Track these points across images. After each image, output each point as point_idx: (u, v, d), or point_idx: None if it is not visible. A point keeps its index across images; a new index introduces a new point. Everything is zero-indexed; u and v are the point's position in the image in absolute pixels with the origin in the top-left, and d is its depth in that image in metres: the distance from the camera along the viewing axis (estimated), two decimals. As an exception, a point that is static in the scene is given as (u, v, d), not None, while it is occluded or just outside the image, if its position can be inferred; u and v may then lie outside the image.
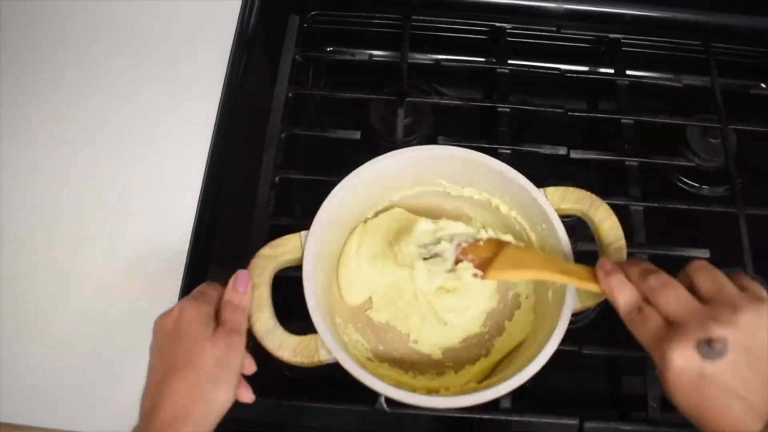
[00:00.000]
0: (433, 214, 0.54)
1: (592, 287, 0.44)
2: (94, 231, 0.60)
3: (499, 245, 0.48)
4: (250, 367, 0.47)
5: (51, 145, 0.64)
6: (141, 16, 0.70)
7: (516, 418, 0.52)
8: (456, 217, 0.55)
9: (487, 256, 0.47)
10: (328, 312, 0.50)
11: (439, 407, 0.44)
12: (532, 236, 0.52)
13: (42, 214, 0.61)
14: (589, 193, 0.51)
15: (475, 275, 0.46)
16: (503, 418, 0.52)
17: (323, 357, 0.46)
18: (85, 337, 0.56)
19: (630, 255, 0.57)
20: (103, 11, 0.70)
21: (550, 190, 0.51)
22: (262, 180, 0.62)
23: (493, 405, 0.52)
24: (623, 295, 0.42)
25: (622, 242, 0.50)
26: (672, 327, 0.39)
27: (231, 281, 0.47)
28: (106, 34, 0.69)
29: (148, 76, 0.67)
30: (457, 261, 0.48)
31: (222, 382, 0.43)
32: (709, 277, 0.40)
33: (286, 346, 0.46)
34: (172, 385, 0.41)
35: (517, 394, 0.52)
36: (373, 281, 0.54)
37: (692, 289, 0.40)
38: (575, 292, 0.47)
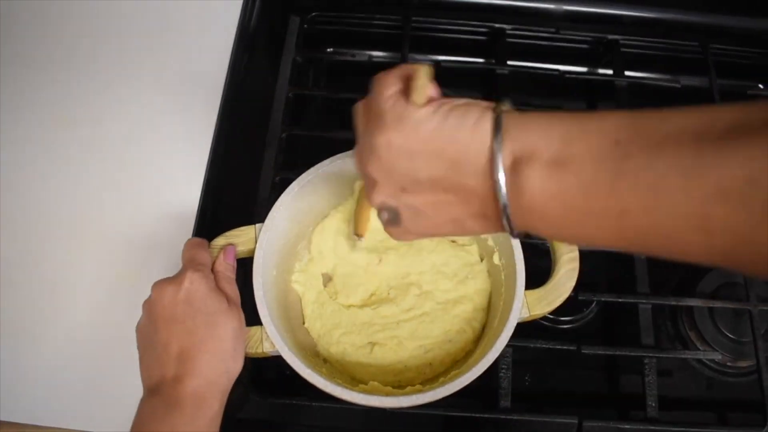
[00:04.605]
0: None
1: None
2: (95, 231, 0.60)
3: None
4: None
5: (51, 144, 0.64)
6: (142, 17, 0.70)
7: (515, 418, 0.52)
8: None
9: None
10: (278, 306, 0.51)
11: (374, 405, 0.45)
12: (489, 240, 0.53)
13: (42, 214, 0.61)
14: None
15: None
16: (503, 417, 0.52)
17: (267, 349, 0.47)
18: (86, 336, 0.56)
19: (629, 255, 0.58)
20: (105, 12, 0.71)
21: None
22: (263, 180, 0.62)
23: (492, 404, 0.53)
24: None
25: (575, 254, 0.49)
26: None
27: (220, 254, 0.48)
28: (107, 35, 0.70)
29: (150, 76, 0.67)
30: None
31: (239, 354, 0.45)
32: (355, 119, 0.38)
33: None
34: (199, 358, 0.42)
35: (516, 393, 0.53)
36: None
37: None
38: (523, 301, 0.47)
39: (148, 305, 0.45)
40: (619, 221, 0.28)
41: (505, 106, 0.32)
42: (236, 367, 0.44)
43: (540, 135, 0.30)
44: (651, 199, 0.26)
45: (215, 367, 0.43)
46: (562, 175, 0.29)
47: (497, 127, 0.31)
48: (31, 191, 0.62)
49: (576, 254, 0.49)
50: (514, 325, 0.47)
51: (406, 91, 0.34)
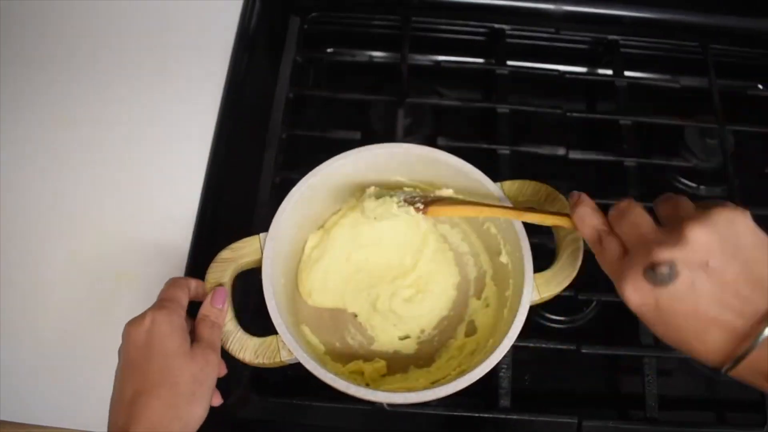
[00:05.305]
0: None
1: (555, 221, 0.44)
2: (95, 231, 0.60)
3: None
4: (222, 370, 0.47)
5: (51, 144, 0.64)
6: (142, 17, 0.70)
7: (515, 417, 0.52)
8: None
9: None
10: (289, 313, 0.51)
11: (397, 402, 0.45)
12: (492, 229, 0.53)
13: (42, 214, 0.61)
14: (546, 186, 0.51)
15: (417, 209, 0.49)
16: (502, 416, 0.52)
17: (284, 357, 0.46)
18: (86, 336, 0.56)
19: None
20: (105, 12, 0.71)
21: (507, 183, 0.51)
22: (263, 180, 0.63)
23: (492, 404, 0.53)
24: (588, 225, 0.40)
25: (578, 234, 0.49)
26: (626, 257, 0.37)
27: (209, 296, 0.47)
28: (107, 35, 0.69)
29: (150, 76, 0.67)
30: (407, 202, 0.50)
31: (198, 399, 0.42)
32: (669, 203, 0.37)
33: (247, 348, 0.47)
34: (147, 403, 0.40)
35: (516, 393, 0.53)
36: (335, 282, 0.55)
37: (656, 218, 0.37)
38: (533, 284, 0.48)
39: (120, 350, 0.44)
40: None
41: None
42: (194, 411, 0.42)
43: None
44: None
45: (164, 414, 0.40)
46: None
47: None
48: (31, 191, 0.62)
49: (579, 235, 0.49)
50: (527, 309, 0.47)
51: None
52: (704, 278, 0.34)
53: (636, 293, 0.35)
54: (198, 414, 0.42)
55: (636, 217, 0.37)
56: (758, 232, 0.34)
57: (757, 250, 0.34)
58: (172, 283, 0.47)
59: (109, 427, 0.42)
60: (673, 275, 0.34)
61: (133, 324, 0.43)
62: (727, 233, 0.34)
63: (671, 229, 0.35)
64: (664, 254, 0.34)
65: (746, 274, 0.33)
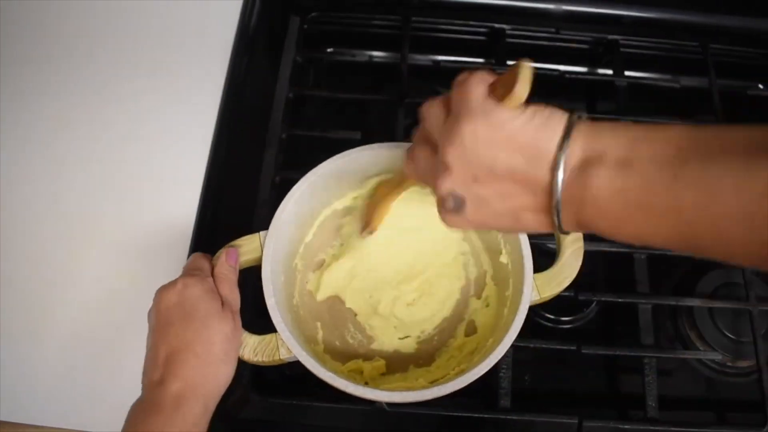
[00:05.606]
0: None
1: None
2: (95, 231, 0.60)
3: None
4: None
5: (51, 144, 0.64)
6: (142, 18, 0.70)
7: (515, 417, 0.52)
8: None
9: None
10: (289, 311, 0.51)
11: (396, 401, 0.45)
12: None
13: (41, 214, 0.61)
14: None
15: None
16: (502, 417, 0.52)
17: (283, 355, 0.46)
18: (86, 336, 0.56)
19: (629, 255, 0.58)
20: (104, 12, 0.71)
21: None
22: (263, 180, 0.63)
23: (492, 404, 0.53)
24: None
25: (579, 234, 0.49)
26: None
27: (223, 256, 0.48)
28: (107, 35, 0.69)
29: (149, 76, 0.67)
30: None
31: (230, 360, 0.44)
32: (429, 117, 0.38)
33: (246, 346, 0.47)
34: (185, 360, 0.42)
35: (516, 393, 0.53)
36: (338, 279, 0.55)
37: None
38: (533, 284, 0.48)
39: (150, 313, 0.45)
40: (675, 218, 0.31)
41: (583, 115, 0.35)
42: (226, 370, 0.44)
43: (609, 139, 0.33)
44: (705, 197, 0.29)
45: (200, 370, 0.42)
46: (627, 174, 0.32)
47: (568, 129, 0.33)
48: (30, 191, 0.62)
49: (580, 234, 0.49)
50: (527, 309, 0.47)
51: (492, 93, 0.36)
52: (482, 187, 0.35)
53: (450, 221, 0.37)
54: (229, 374, 0.44)
55: (419, 151, 0.39)
56: (501, 125, 0.34)
57: (512, 139, 0.34)
58: (195, 256, 0.49)
59: (143, 384, 0.43)
60: (459, 201, 0.36)
61: (165, 288, 0.45)
62: (476, 142, 0.34)
63: (439, 157, 0.36)
64: (441, 190, 0.36)
65: (516, 161, 0.34)
